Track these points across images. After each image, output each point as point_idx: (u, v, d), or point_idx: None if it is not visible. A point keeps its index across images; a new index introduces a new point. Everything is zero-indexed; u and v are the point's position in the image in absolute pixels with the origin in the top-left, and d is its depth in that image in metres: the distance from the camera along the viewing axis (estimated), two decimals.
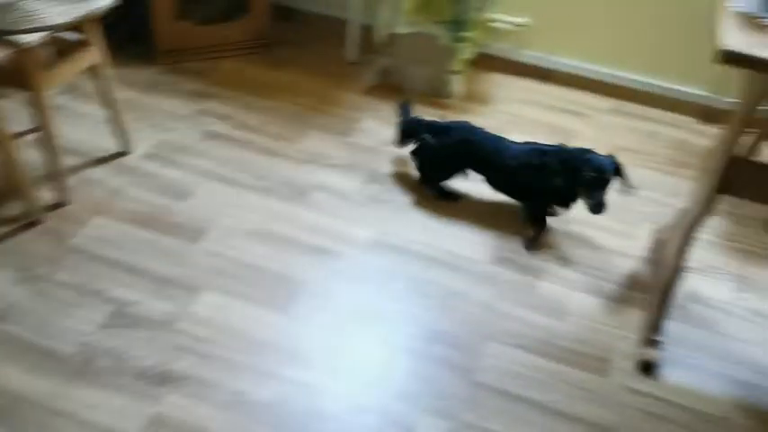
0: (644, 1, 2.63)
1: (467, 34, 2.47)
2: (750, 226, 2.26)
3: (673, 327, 1.88)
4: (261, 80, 2.70)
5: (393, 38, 2.64)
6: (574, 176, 1.97)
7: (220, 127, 2.42)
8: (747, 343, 1.87)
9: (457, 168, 2.19)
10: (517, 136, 2.55)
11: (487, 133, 2.20)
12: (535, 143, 2.15)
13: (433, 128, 2.22)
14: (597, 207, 1.94)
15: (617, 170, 1.99)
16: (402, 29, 2.54)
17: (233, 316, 1.79)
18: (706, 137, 2.66)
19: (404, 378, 1.69)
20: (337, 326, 1.79)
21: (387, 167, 2.33)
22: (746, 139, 2.61)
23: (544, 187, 2.04)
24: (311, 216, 2.11)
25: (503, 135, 2.21)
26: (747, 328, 1.92)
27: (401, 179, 2.29)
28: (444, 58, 2.57)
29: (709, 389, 1.74)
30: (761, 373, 1.79)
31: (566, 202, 2.09)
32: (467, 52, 2.54)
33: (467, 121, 2.24)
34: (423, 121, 2.27)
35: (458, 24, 2.46)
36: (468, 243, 2.07)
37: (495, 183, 2.17)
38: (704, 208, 1.68)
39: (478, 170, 2.17)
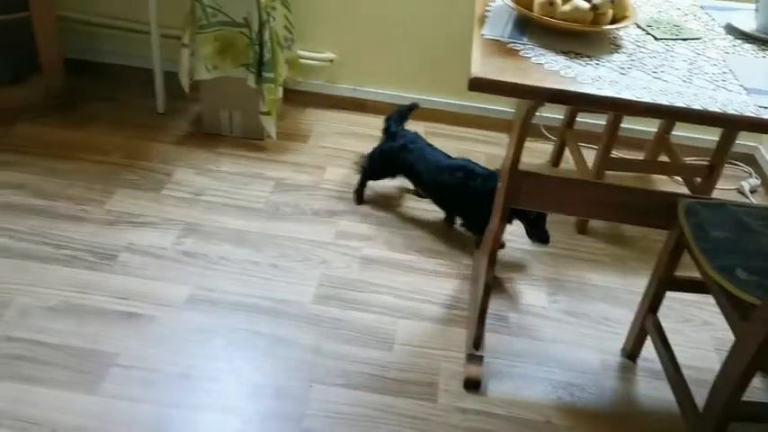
0: (436, 28, 2.74)
1: (271, 75, 2.45)
2: (560, 230, 2.39)
3: (494, 339, 1.94)
4: (62, 141, 2.53)
5: (199, 85, 2.57)
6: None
7: (15, 198, 2.24)
8: (563, 344, 1.96)
9: (389, 170, 2.36)
10: (338, 169, 2.58)
11: (427, 147, 2.33)
12: (469, 162, 2.26)
13: (387, 131, 2.40)
14: (542, 237, 2.08)
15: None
16: (206, 75, 2.48)
17: (34, 407, 1.63)
18: None
19: None
20: (154, 396, 1.68)
21: (202, 218, 2.25)
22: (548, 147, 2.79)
23: (465, 204, 2.21)
24: (120, 281, 1.98)
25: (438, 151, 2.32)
26: (563, 329, 2.01)
27: (217, 229, 2.22)
28: (253, 100, 2.53)
29: (532, 395, 1.79)
30: (576, 372, 1.88)
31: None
32: (275, 92, 2.52)
33: (416, 133, 2.40)
34: (387, 124, 2.42)
35: (261, 66, 2.43)
36: (289, 286, 2.03)
37: (424, 190, 2.37)
38: (501, 219, 1.75)
39: (408, 176, 2.34)
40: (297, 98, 2.94)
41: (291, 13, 2.63)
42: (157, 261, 2.06)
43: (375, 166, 2.39)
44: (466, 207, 2.23)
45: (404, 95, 2.92)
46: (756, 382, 1.88)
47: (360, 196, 2.44)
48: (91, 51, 2.93)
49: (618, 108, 1.46)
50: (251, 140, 2.66)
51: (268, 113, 2.53)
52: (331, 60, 2.87)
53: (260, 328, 1.88)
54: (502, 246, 2.26)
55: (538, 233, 2.11)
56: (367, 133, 2.83)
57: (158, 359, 1.77)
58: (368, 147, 2.74)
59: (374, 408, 1.71)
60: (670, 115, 1.46)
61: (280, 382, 1.74)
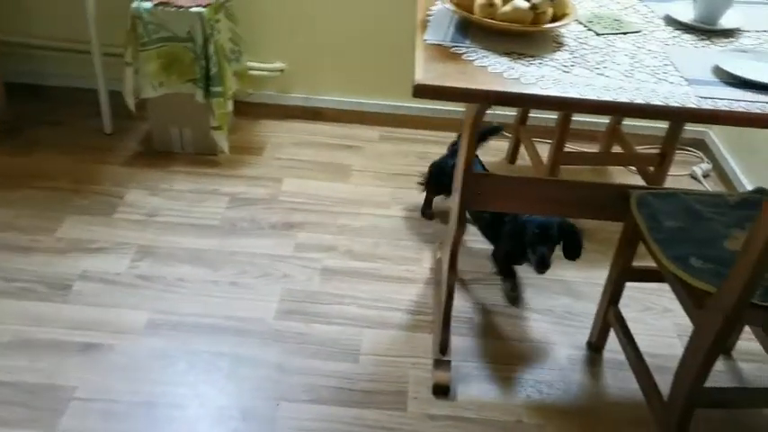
0: (385, 33, 2.73)
1: (220, 89, 2.41)
2: None
3: (461, 342, 1.93)
4: (7, 169, 2.46)
5: (146, 103, 2.52)
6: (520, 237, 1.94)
7: None
8: (529, 341, 1.96)
9: (440, 186, 2.33)
10: (295, 180, 2.56)
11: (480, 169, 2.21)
12: None
13: (452, 146, 2.36)
14: (540, 263, 1.92)
15: (564, 232, 1.92)
16: (152, 93, 2.43)
17: None
18: None
19: None
20: (117, 428, 1.63)
21: (157, 240, 2.20)
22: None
23: (495, 235, 2.12)
24: (75, 311, 1.92)
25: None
26: (528, 326, 2.01)
27: (173, 250, 2.17)
28: (203, 115, 2.49)
29: (501, 396, 1.79)
30: (544, 368, 1.88)
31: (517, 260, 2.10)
32: (225, 106, 2.48)
33: (477, 156, 2.18)
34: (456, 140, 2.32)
35: (208, 80, 2.39)
36: (250, 303, 2.00)
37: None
38: (458, 222, 1.74)
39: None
40: (249, 110, 2.90)
41: (237, 25, 2.59)
42: (113, 287, 2.01)
43: (429, 180, 2.39)
44: (495, 237, 2.14)
45: (358, 101, 2.91)
46: (720, 365, 1.91)
47: (424, 213, 2.43)
48: (32, 74, 2.85)
49: (563, 107, 1.47)
50: (204, 156, 2.62)
51: (219, 128, 2.49)
52: (281, 70, 2.84)
53: (222, 348, 1.85)
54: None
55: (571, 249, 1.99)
56: (323, 142, 2.81)
57: (119, 389, 1.72)
58: (326, 155, 2.73)
59: (343, 422, 1.68)
60: (614, 111, 1.47)
61: (245, 403, 1.71)
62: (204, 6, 2.32)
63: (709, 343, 1.33)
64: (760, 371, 1.90)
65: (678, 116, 1.29)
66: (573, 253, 1.93)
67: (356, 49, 2.79)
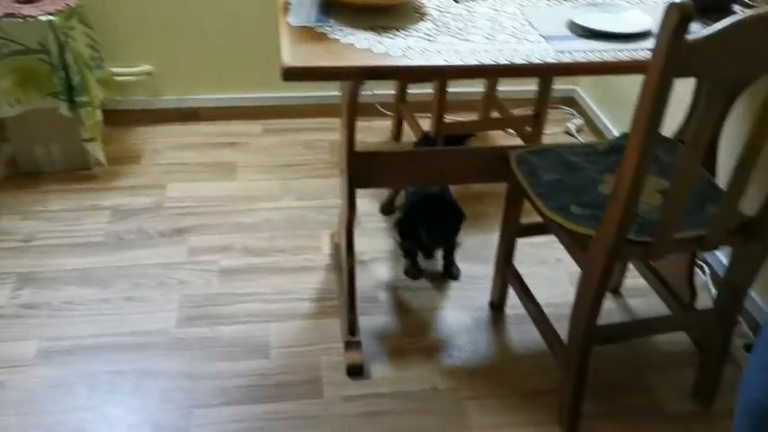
0: (253, 24, 2.68)
1: (85, 98, 2.29)
2: None
3: (368, 321, 1.94)
4: None
5: (4, 123, 2.35)
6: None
7: None
8: (434, 310, 2.00)
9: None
10: (180, 184, 2.47)
11: None
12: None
13: None
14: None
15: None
16: (9, 111, 2.27)
17: None
18: None
19: None
20: None
21: (37, 265, 2.07)
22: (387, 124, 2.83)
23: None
24: None
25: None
26: (431, 296, 2.05)
27: (56, 273, 2.05)
28: (71, 129, 2.36)
29: (414, 367, 1.82)
30: (452, 333, 1.92)
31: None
32: (95, 116, 2.36)
33: None
34: None
35: (71, 91, 2.26)
36: (148, 316, 1.92)
37: None
38: (349, 203, 1.74)
39: None
40: (119, 118, 2.77)
41: (94, 30, 2.46)
42: None
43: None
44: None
45: (235, 96, 2.85)
46: (610, 304, 2.02)
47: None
48: None
49: (433, 75, 1.50)
50: (77, 171, 2.48)
51: (92, 139, 2.37)
52: (149, 73, 2.73)
53: (123, 366, 1.77)
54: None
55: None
56: (204, 142, 2.74)
57: (17, 426, 1.61)
58: (209, 156, 2.65)
59: (261, 419, 1.66)
60: (482, 74, 1.51)
61: (156, 416, 1.65)
62: (54, 14, 2.19)
63: (596, 282, 1.40)
64: (646, 304, 2.03)
65: (541, 72, 1.35)
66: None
67: (225, 43, 2.72)
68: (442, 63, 1.30)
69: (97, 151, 2.40)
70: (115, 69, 2.65)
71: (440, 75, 1.39)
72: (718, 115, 1.36)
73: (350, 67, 1.26)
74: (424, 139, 2.35)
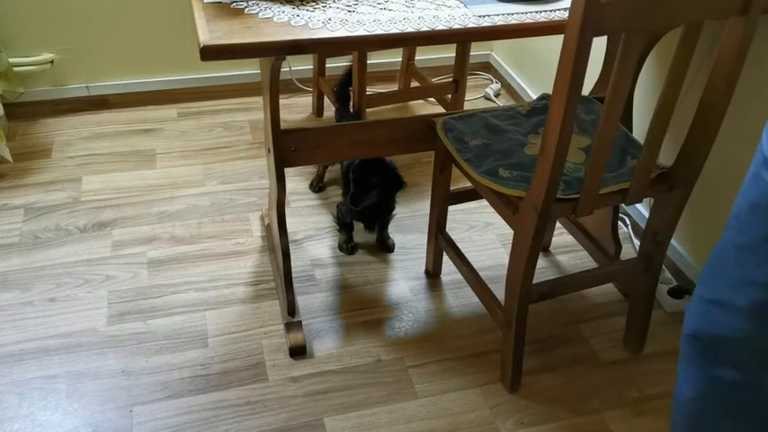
0: (160, 3, 2.57)
1: None
2: (339, 177, 2.42)
3: (307, 300, 1.93)
4: None
5: None
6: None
7: None
8: (371, 284, 2.01)
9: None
10: (96, 176, 2.37)
11: None
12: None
13: None
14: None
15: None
16: None
17: None
18: None
19: None
20: None
21: None
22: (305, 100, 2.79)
23: None
24: None
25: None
26: (367, 269, 2.05)
27: None
28: None
29: (357, 341, 1.82)
30: (392, 304, 1.94)
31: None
32: None
33: None
34: None
35: None
36: (75, 315, 1.84)
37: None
38: (278, 183, 1.71)
39: None
40: (24, 111, 2.62)
41: None
42: None
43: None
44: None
45: (146, 80, 2.74)
46: (541, 262, 2.08)
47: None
48: None
49: (355, 45, 1.47)
50: None
51: None
52: (51, 62, 2.58)
53: (54, 370, 1.69)
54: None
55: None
56: (117, 130, 2.62)
57: None
58: (125, 144, 2.55)
59: (206, 409, 1.63)
60: (404, 42, 1.50)
61: (95, 418, 1.59)
62: None
63: (529, 242, 1.44)
64: (575, 259, 2.11)
65: (462, 37, 1.35)
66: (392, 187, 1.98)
67: (131, 25, 2.60)
68: (364, 33, 1.28)
69: (1, 148, 2.26)
70: (13, 60, 2.49)
71: (362, 45, 1.38)
72: (634, 71, 1.40)
73: (271, 43, 1.22)
74: (340, 98, 2.36)
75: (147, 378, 1.69)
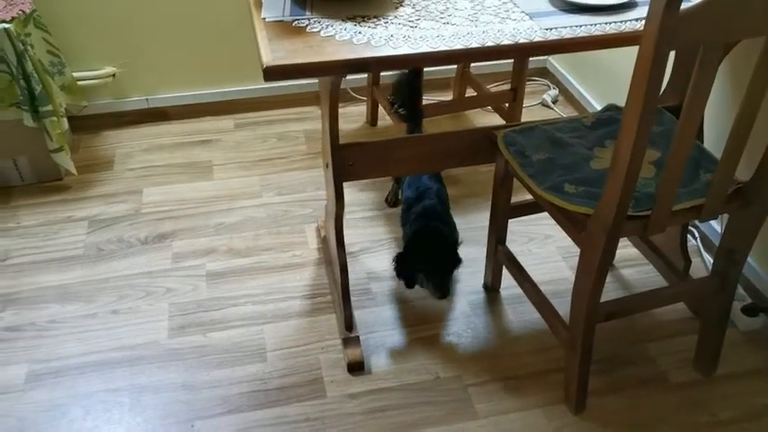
0: (220, 17, 2.60)
1: (49, 107, 2.20)
2: (385, 189, 2.38)
3: (364, 315, 1.91)
4: None
5: None
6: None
7: None
8: (429, 298, 1.97)
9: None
10: (155, 188, 2.40)
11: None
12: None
13: None
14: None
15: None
16: None
17: None
18: None
19: None
20: None
21: (15, 285, 2.00)
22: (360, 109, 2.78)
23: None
24: None
25: None
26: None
27: (36, 292, 1.98)
28: (38, 140, 2.26)
29: (415, 357, 1.79)
30: (447, 320, 1.90)
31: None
32: (61, 125, 2.27)
33: None
34: None
35: (34, 101, 2.17)
36: (137, 328, 1.87)
37: None
38: (336, 197, 1.70)
39: None
40: (87, 124, 2.68)
41: (51, 35, 2.36)
42: None
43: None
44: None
45: (204, 92, 2.77)
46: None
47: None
48: None
49: (418, 63, 1.45)
50: (48, 183, 2.40)
51: (60, 149, 2.28)
52: (113, 75, 2.63)
53: (118, 383, 1.72)
54: None
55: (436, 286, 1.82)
56: (175, 142, 2.66)
57: None
58: (182, 156, 2.58)
59: (265, 425, 1.62)
60: (468, 58, 1.47)
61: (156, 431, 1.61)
62: (9, 21, 2.09)
63: (598, 262, 1.39)
64: (640, 273, 2.03)
65: (528, 52, 1.31)
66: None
67: (189, 39, 2.63)
68: (428, 50, 1.25)
69: (66, 161, 2.32)
70: (77, 74, 2.55)
71: (426, 62, 1.35)
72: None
73: (334, 62, 1.21)
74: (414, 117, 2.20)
75: (207, 392, 1.70)
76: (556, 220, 1.53)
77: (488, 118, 2.77)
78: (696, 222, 2.13)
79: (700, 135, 1.69)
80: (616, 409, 1.65)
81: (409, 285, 1.85)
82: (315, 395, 1.70)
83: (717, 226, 2.03)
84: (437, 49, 1.25)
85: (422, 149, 1.77)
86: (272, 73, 1.17)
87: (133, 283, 2.01)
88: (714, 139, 1.85)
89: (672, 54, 1.70)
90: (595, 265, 1.40)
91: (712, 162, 1.51)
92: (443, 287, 1.80)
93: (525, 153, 1.61)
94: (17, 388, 1.70)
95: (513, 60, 2.40)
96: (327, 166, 1.72)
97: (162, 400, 1.68)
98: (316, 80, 2.77)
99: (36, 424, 1.62)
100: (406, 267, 1.82)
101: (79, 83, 2.56)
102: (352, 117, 2.81)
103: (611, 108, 1.76)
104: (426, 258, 1.79)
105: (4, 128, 2.24)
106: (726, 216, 1.56)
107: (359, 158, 1.70)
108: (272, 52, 1.21)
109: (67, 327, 1.87)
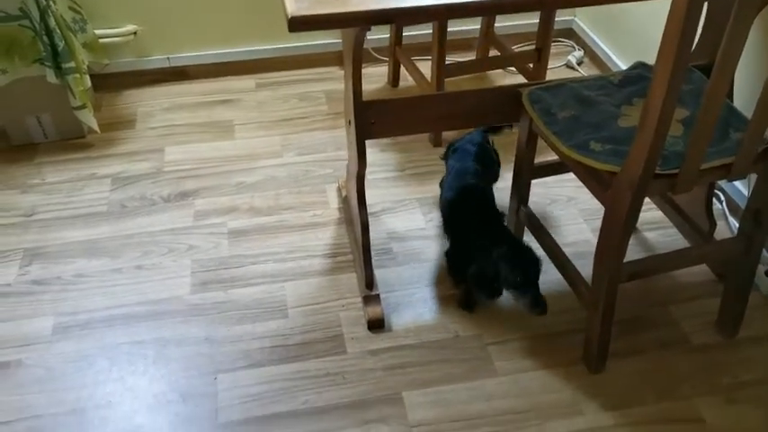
0: None
1: (72, 64, 2.20)
2: (417, 149, 2.39)
3: (385, 274, 1.92)
4: None
5: None
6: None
7: None
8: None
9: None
10: (177, 146, 2.41)
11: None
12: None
13: None
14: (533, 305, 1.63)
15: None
16: None
17: None
18: None
19: None
20: None
21: (42, 240, 2.03)
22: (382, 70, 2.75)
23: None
24: None
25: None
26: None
27: (63, 246, 2.01)
28: (61, 97, 2.27)
29: (435, 316, 1.80)
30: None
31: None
32: (84, 82, 2.27)
33: None
34: None
35: (57, 57, 2.17)
36: (161, 283, 1.89)
37: None
38: (359, 156, 1.69)
39: None
40: (108, 82, 2.68)
41: None
42: (6, 300, 1.84)
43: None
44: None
45: (224, 51, 2.76)
46: None
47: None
48: None
49: (447, 14, 1.42)
50: (72, 141, 2.42)
51: (83, 106, 2.29)
52: (135, 33, 2.63)
53: (142, 336, 1.75)
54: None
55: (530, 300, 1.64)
56: (197, 101, 2.66)
57: (40, 404, 1.59)
58: (204, 115, 2.58)
59: (286, 378, 1.65)
60: (501, 9, 1.43)
61: (181, 384, 1.63)
62: None
63: (622, 221, 1.37)
64: (663, 237, 2.01)
65: (552, 5, 1.28)
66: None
67: None
68: (457, 0, 1.23)
69: (89, 119, 2.33)
70: (99, 31, 2.55)
71: (455, 13, 1.32)
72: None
73: (360, 12, 1.19)
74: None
75: (229, 346, 1.72)
76: (580, 179, 1.51)
77: (512, 79, 2.73)
78: (721, 183, 2.10)
79: (729, 94, 1.65)
80: (636, 370, 1.65)
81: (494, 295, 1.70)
82: (335, 351, 1.71)
83: (743, 189, 1.99)
84: (466, 0, 1.23)
85: (445, 108, 1.75)
86: (296, 23, 1.15)
87: (157, 239, 2.03)
88: (745, 99, 1.81)
89: (703, 11, 1.66)
90: (620, 224, 1.38)
91: (742, 121, 1.48)
92: (540, 303, 1.62)
93: (551, 111, 1.58)
94: (44, 339, 1.74)
95: (538, 20, 2.35)
96: (350, 124, 1.71)
97: (185, 353, 1.70)
98: (337, 39, 2.75)
99: (63, 374, 1.66)
100: (486, 285, 1.67)
101: (101, 41, 2.56)
102: (374, 78, 2.79)
103: (639, 66, 1.72)
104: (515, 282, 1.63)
105: (28, 84, 2.25)
106: (753, 176, 1.53)
107: (381, 116, 1.68)
108: (296, 2, 1.19)
109: (94, 281, 1.90)
